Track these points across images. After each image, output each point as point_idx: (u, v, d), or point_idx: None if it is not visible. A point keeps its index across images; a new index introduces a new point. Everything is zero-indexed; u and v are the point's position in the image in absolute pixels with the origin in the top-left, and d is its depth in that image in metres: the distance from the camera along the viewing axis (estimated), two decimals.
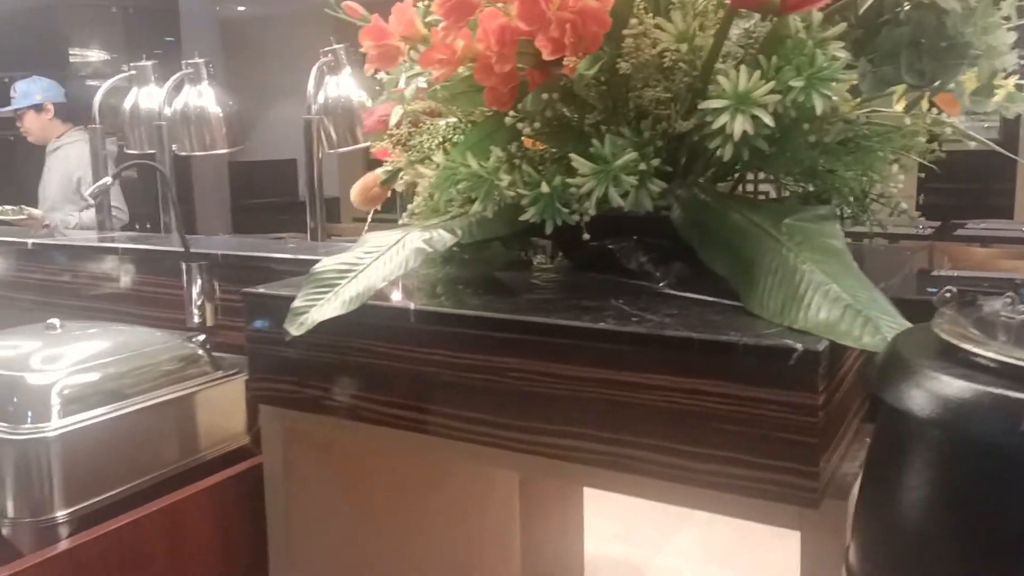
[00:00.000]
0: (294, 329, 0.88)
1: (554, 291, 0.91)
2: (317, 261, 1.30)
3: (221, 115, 1.91)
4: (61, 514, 0.92)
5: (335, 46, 1.63)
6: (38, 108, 3.59)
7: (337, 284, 0.91)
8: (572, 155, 0.84)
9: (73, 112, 3.74)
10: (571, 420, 0.75)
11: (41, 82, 3.64)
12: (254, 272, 1.36)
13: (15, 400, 0.95)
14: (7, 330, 1.12)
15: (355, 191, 1.24)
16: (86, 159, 3.51)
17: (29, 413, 0.94)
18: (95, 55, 5.85)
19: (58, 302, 1.64)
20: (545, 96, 0.87)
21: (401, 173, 1.12)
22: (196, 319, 1.31)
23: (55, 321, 1.09)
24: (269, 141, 6.73)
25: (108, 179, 1.29)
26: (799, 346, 0.64)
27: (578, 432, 0.75)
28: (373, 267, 0.91)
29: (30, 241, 1.65)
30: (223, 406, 1.11)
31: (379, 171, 1.20)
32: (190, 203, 5.73)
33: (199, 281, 1.31)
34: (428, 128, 1.06)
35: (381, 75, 1.17)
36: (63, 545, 0.88)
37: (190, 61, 1.90)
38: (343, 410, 0.94)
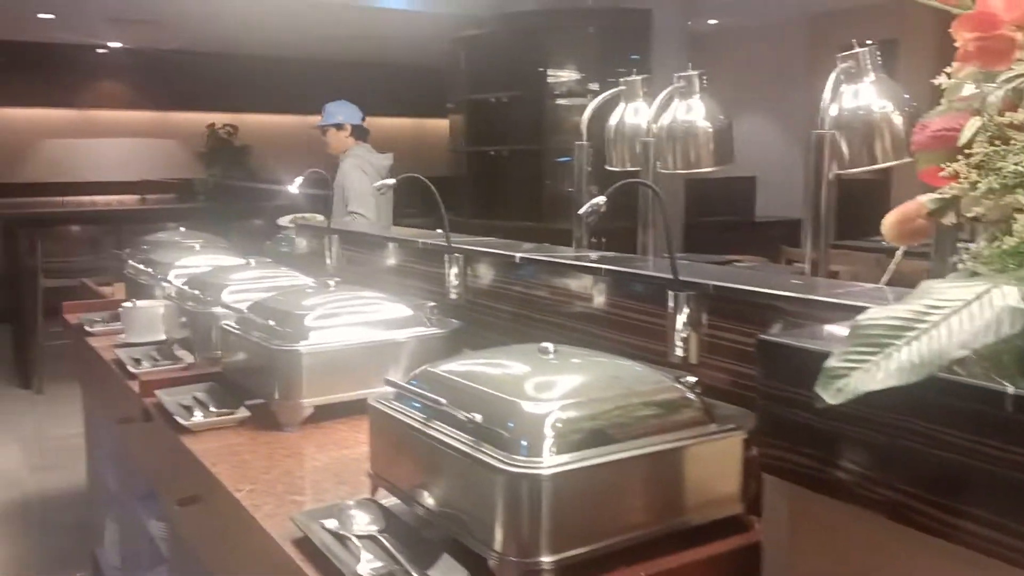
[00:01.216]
0: (830, 396, 0.69)
1: None
2: (833, 304, 1.11)
3: (710, 130, 1.80)
4: (547, 559, 0.85)
5: (858, 49, 1.40)
6: (339, 127, 4.29)
7: (890, 344, 0.70)
8: None
9: (364, 133, 4.40)
10: None
11: (345, 106, 4.38)
12: (748, 308, 1.20)
13: (510, 426, 0.91)
14: (503, 348, 1.11)
15: (889, 222, 1.02)
16: (352, 173, 4.10)
17: (523, 444, 0.89)
18: (567, 75, 6.28)
19: (535, 316, 1.67)
20: None
21: (964, 202, 0.88)
22: (679, 353, 1.19)
23: (548, 345, 1.04)
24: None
25: (601, 199, 1.23)
26: None
27: None
28: (943, 327, 0.69)
29: (517, 255, 1.70)
30: (716, 465, 0.96)
31: (924, 198, 0.96)
32: (643, 219, 5.85)
33: (686, 312, 1.19)
34: (1020, 147, 0.79)
35: (940, 80, 0.94)
36: None
37: (682, 74, 1.82)
38: (879, 504, 0.74)
